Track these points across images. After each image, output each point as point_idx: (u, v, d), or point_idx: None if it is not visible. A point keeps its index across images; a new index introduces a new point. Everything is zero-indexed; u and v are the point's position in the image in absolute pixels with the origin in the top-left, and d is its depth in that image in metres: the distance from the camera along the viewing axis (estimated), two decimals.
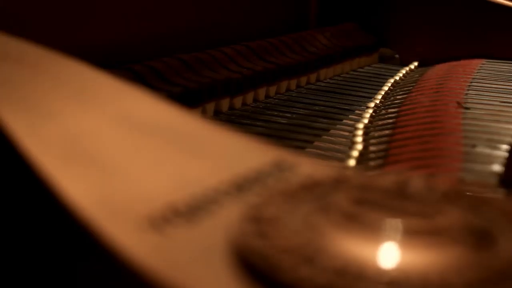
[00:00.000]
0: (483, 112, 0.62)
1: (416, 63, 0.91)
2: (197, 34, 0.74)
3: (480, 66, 0.84)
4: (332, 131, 0.61)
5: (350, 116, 0.66)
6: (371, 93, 0.74)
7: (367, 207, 0.22)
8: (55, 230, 0.26)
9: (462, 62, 0.87)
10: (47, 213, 0.26)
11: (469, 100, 0.66)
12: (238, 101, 0.66)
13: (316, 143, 0.58)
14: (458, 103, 0.64)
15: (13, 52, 0.35)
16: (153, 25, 0.68)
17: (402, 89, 0.76)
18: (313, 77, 0.80)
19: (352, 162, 0.51)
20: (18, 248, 0.29)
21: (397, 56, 0.97)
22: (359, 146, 0.55)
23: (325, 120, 0.64)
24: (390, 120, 0.63)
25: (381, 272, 0.20)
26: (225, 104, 0.64)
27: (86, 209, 0.23)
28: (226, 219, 0.23)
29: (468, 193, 0.25)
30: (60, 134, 0.28)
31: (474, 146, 0.51)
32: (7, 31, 0.37)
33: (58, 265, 0.26)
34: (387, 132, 0.59)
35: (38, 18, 0.55)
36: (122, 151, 0.28)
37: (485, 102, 0.67)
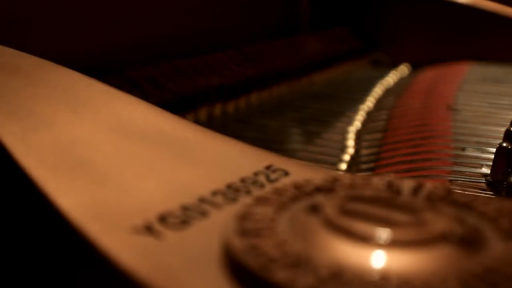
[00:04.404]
0: (472, 114, 0.62)
1: (407, 66, 0.92)
2: (191, 40, 0.74)
3: (470, 69, 0.85)
4: (324, 135, 0.62)
5: (342, 120, 0.66)
6: (363, 96, 0.75)
7: (356, 214, 0.23)
8: (52, 236, 0.26)
9: (452, 65, 0.88)
10: (44, 219, 0.26)
11: (459, 103, 0.67)
12: (231, 106, 0.67)
13: (308, 147, 0.58)
14: (448, 105, 0.64)
15: (7, 62, 0.36)
16: (147, 30, 0.69)
17: (393, 92, 0.77)
18: (305, 81, 0.80)
19: (343, 166, 0.52)
20: (16, 253, 0.29)
21: (388, 59, 0.97)
22: (351, 150, 0.55)
23: (317, 124, 0.64)
24: (381, 123, 0.63)
25: (368, 279, 0.20)
26: (218, 109, 0.65)
27: (78, 216, 0.23)
28: (218, 225, 0.23)
29: (456, 196, 0.25)
30: (53, 142, 0.28)
31: (463, 149, 0.51)
32: (5, 35, 0.37)
33: (56, 270, 0.26)
34: (378, 135, 0.60)
35: (38, 23, 0.56)
36: (115, 158, 0.28)
37: (474, 104, 0.67)
